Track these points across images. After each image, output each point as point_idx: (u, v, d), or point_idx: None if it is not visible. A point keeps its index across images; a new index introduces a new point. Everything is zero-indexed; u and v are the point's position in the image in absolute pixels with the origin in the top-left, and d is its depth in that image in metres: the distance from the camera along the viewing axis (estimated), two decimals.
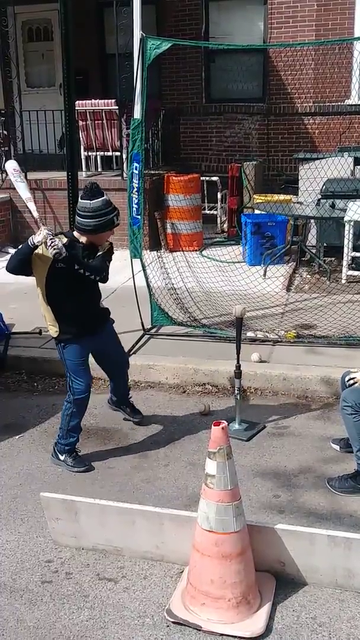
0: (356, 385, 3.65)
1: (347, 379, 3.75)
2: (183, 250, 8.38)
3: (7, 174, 9.21)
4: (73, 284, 3.80)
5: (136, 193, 5.56)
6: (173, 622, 2.78)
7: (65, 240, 3.72)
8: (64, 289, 3.81)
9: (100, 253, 3.89)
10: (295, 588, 2.95)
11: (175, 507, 3.39)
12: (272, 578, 2.98)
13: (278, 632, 2.73)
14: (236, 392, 4.37)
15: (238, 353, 4.37)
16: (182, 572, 3.04)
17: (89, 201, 3.77)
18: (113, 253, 4.00)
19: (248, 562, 2.82)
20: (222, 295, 6.30)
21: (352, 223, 7.03)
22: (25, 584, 3.06)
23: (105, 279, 3.92)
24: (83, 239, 3.87)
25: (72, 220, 6.14)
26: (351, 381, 3.70)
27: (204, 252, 8.48)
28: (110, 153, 9.48)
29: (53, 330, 3.93)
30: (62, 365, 4.02)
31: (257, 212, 8.36)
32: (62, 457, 4.04)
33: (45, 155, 9.91)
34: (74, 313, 3.88)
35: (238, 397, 4.38)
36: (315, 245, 7.87)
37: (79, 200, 3.85)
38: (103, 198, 3.79)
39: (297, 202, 8.01)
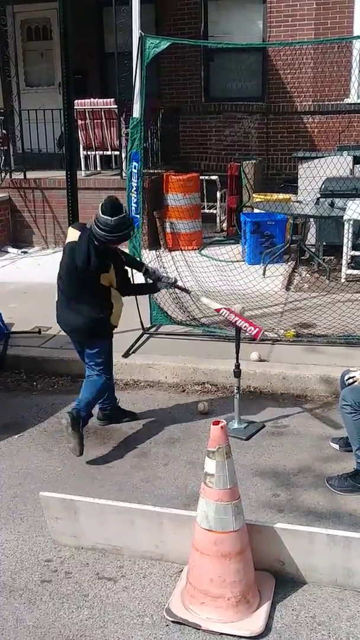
0: (355, 384, 3.65)
1: (346, 377, 3.75)
2: (182, 250, 8.38)
3: (6, 174, 9.29)
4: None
5: (135, 192, 5.56)
6: (172, 621, 2.78)
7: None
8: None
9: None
10: (295, 587, 2.95)
11: (175, 506, 3.40)
12: (272, 577, 2.98)
13: (277, 631, 2.73)
14: (235, 391, 4.37)
15: (237, 352, 4.37)
16: (181, 571, 3.05)
17: (110, 218, 3.90)
18: None
19: (247, 561, 2.82)
20: (221, 294, 6.30)
21: (351, 222, 7.02)
22: (24, 583, 3.06)
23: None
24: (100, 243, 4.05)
25: (70, 219, 6.14)
26: (350, 380, 3.70)
27: (203, 251, 8.48)
28: (109, 152, 9.47)
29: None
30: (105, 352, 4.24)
31: (256, 211, 8.35)
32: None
33: (44, 155, 9.91)
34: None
35: (237, 396, 4.38)
36: (315, 244, 7.87)
37: (100, 214, 3.92)
38: (123, 215, 3.97)
39: (297, 201, 8.00)
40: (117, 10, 8.36)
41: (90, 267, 3.97)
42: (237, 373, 4.34)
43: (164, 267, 6.52)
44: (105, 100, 9.17)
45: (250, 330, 4.19)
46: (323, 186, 7.64)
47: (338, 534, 2.87)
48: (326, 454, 4.08)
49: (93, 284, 4.03)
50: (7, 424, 4.62)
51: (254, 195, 8.90)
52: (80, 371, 4.53)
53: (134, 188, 5.56)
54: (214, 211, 9.72)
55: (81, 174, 8.86)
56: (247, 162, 9.33)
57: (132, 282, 4.47)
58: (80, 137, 9.25)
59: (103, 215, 3.90)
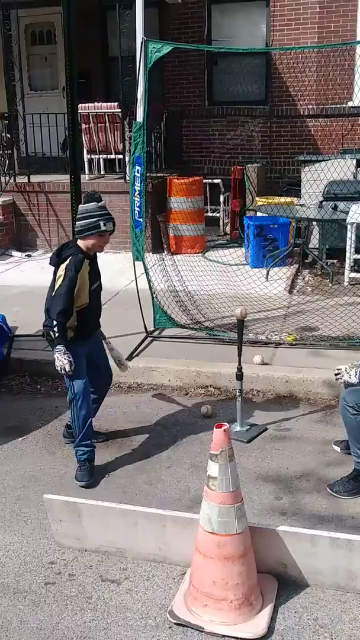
0: (343, 379, 3.63)
1: (334, 372, 3.72)
2: (185, 253, 8.41)
3: (10, 177, 9.33)
4: (93, 301, 4.04)
5: (138, 196, 5.58)
6: (175, 624, 2.79)
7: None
8: (91, 302, 4.00)
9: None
10: (297, 589, 2.96)
11: (178, 509, 3.41)
12: (274, 580, 2.99)
13: (280, 634, 2.74)
14: (237, 394, 4.38)
15: (240, 355, 4.38)
16: (184, 573, 3.06)
17: (82, 205, 3.93)
18: (65, 277, 3.84)
19: (250, 564, 2.83)
20: (224, 297, 6.32)
21: (354, 225, 7.04)
22: (28, 586, 3.08)
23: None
24: (84, 248, 3.93)
25: (74, 223, 6.15)
26: (336, 373, 3.67)
27: (206, 255, 8.50)
28: (112, 156, 9.51)
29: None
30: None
31: (259, 214, 8.38)
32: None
33: (48, 158, 9.94)
34: (86, 322, 4.00)
35: (239, 399, 4.39)
36: (318, 247, 7.88)
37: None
38: (95, 203, 3.90)
39: (300, 205, 8.02)
40: (121, 15, 8.41)
41: None
42: (240, 376, 4.36)
43: (166, 270, 6.55)
44: (109, 104, 9.21)
45: None
46: (326, 189, 7.66)
47: (340, 537, 2.88)
48: (329, 458, 4.09)
49: None
50: (11, 426, 4.64)
51: (257, 198, 8.92)
52: None
53: (137, 192, 5.58)
54: (217, 214, 9.74)
55: (85, 177, 8.89)
56: (251, 165, 9.36)
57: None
58: (84, 141, 9.29)
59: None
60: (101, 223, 3.84)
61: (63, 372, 3.78)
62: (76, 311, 3.90)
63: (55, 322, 3.77)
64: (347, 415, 3.60)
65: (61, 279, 3.81)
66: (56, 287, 3.83)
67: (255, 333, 5.72)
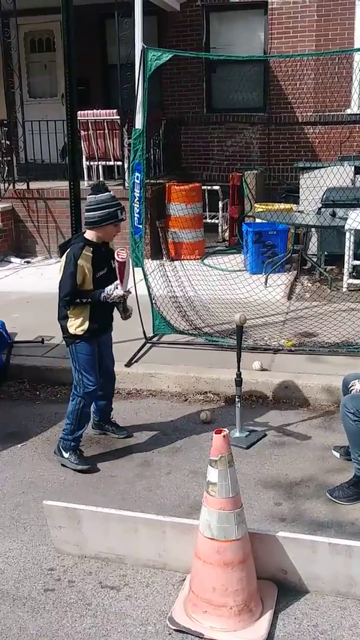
0: (354, 392, 3.66)
1: (349, 386, 3.76)
2: (184, 259, 8.42)
3: (9, 184, 9.35)
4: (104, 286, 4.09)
5: (138, 202, 5.60)
6: (175, 630, 2.79)
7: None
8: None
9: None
10: (297, 596, 2.96)
11: (177, 515, 3.40)
12: (274, 586, 2.99)
13: None
14: (237, 400, 4.38)
15: (239, 361, 4.39)
16: (184, 580, 3.05)
17: (94, 195, 3.99)
18: (66, 265, 4.02)
19: (250, 570, 2.83)
20: (223, 303, 6.33)
21: (352, 231, 7.06)
22: (27, 592, 3.07)
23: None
24: (94, 238, 4.02)
25: (74, 229, 6.18)
26: (352, 389, 3.71)
27: (205, 261, 8.51)
28: (112, 162, 9.54)
29: (78, 329, 4.02)
30: (74, 362, 4.09)
31: (258, 220, 8.40)
32: (66, 455, 4.11)
33: (47, 165, 9.97)
34: (101, 313, 4.12)
35: (239, 405, 4.39)
36: (316, 253, 7.90)
37: (87, 197, 4.04)
38: (108, 193, 4.02)
39: (298, 211, 8.04)
40: (119, 22, 8.44)
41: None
42: (239, 382, 4.36)
43: (166, 276, 6.56)
44: (108, 111, 9.24)
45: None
46: (324, 196, 7.68)
47: (340, 543, 2.88)
48: (328, 464, 4.09)
49: None
50: (11, 433, 4.64)
51: (256, 205, 8.95)
52: None
53: (137, 198, 5.60)
54: (216, 221, 9.77)
55: (84, 184, 8.90)
56: (249, 172, 9.39)
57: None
58: (83, 148, 9.31)
59: (88, 196, 4.00)
60: (118, 212, 3.98)
61: (124, 292, 3.96)
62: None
63: (70, 304, 3.95)
64: (348, 422, 3.60)
65: (63, 266, 3.98)
66: (61, 274, 3.99)
67: (255, 339, 5.73)
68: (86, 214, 4.01)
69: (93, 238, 4.02)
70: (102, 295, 3.96)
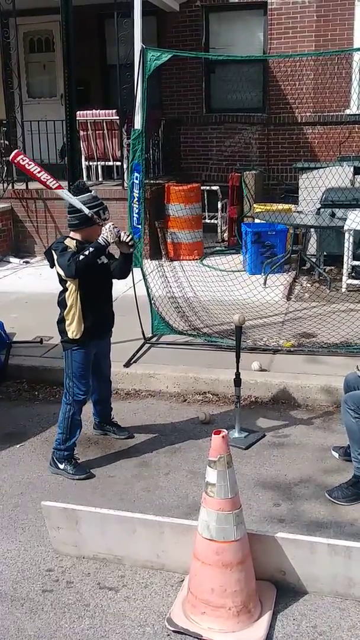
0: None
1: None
2: (183, 260, 8.42)
3: (8, 184, 9.34)
4: (102, 282, 3.99)
5: (137, 203, 5.59)
6: (173, 631, 2.78)
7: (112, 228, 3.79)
8: (97, 287, 3.96)
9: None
10: (296, 597, 2.95)
11: (176, 515, 3.40)
12: (273, 587, 2.98)
13: None
14: (236, 400, 4.37)
15: (237, 361, 4.38)
16: (182, 580, 3.05)
17: (75, 197, 3.88)
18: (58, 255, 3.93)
19: (248, 571, 2.82)
20: (222, 304, 6.32)
21: (351, 232, 7.05)
22: (26, 593, 3.06)
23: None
24: (79, 239, 3.92)
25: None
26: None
27: (204, 261, 8.51)
28: (111, 163, 9.53)
29: (75, 332, 3.92)
30: (67, 368, 4.03)
31: (257, 221, 8.40)
32: (61, 466, 4.06)
33: (46, 165, 9.86)
34: (98, 312, 4.00)
35: (238, 406, 4.39)
36: (315, 254, 7.90)
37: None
38: (89, 193, 3.91)
39: (297, 211, 8.04)
40: (119, 22, 8.43)
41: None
42: (238, 382, 4.36)
43: (165, 277, 6.56)
44: (107, 111, 9.23)
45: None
46: (323, 196, 7.68)
47: (339, 544, 2.88)
48: (327, 464, 4.08)
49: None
50: (9, 433, 4.63)
51: (255, 205, 8.94)
52: None
53: (136, 199, 5.59)
54: (215, 221, 9.76)
55: None
56: (248, 172, 9.38)
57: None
58: (82, 148, 9.31)
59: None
60: (101, 212, 3.88)
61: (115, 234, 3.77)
62: (83, 300, 3.89)
63: (77, 269, 3.75)
64: (349, 419, 3.60)
65: (55, 258, 3.85)
66: (58, 264, 3.85)
67: (254, 339, 5.72)
68: (68, 216, 3.93)
69: (78, 239, 3.92)
70: (100, 238, 3.75)
